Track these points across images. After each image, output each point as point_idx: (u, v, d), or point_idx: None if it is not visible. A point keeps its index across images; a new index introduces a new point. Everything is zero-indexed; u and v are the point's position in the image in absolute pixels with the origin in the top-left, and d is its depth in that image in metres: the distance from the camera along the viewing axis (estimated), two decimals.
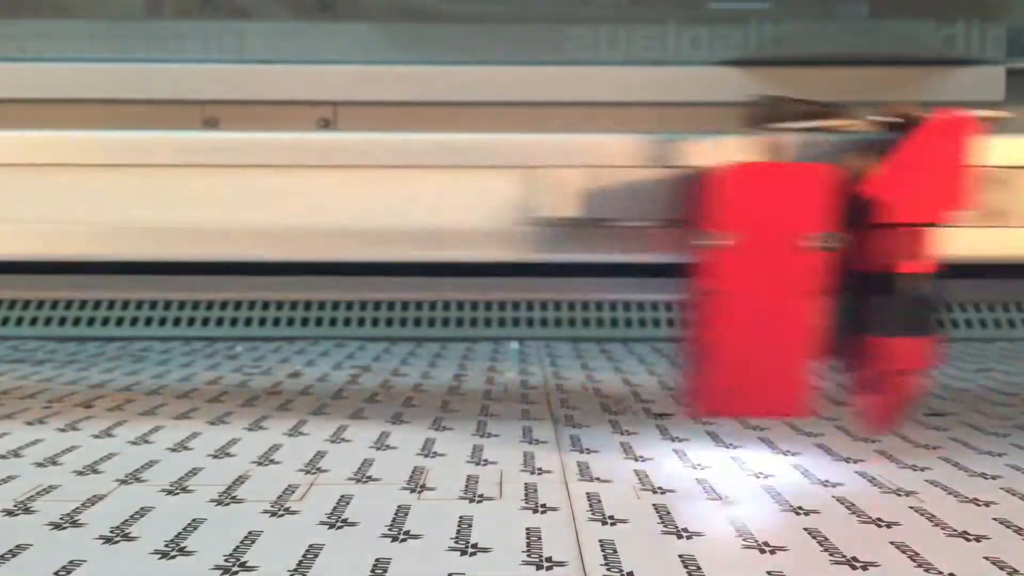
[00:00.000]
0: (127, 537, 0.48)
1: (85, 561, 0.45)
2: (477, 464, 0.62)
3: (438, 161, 0.64)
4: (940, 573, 0.44)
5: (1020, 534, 0.49)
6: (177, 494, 0.55)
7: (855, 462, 0.63)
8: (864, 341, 0.59)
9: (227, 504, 0.53)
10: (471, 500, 0.54)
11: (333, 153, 0.65)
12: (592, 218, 0.62)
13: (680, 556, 0.46)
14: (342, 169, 0.64)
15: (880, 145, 0.60)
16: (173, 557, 0.45)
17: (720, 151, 0.62)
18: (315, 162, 0.64)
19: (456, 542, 0.47)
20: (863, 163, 0.59)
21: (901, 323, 0.59)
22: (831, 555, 0.46)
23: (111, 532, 0.48)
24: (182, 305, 1.32)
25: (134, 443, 0.67)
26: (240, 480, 0.58)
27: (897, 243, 0.59)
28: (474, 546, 0.47)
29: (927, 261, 0.59)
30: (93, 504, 0.53)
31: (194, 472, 0.60)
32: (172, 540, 0.47)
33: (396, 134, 0.65)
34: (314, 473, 0.60)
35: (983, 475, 0.61)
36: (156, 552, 0.46)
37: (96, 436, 0.69)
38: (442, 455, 0.64)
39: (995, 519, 0.52)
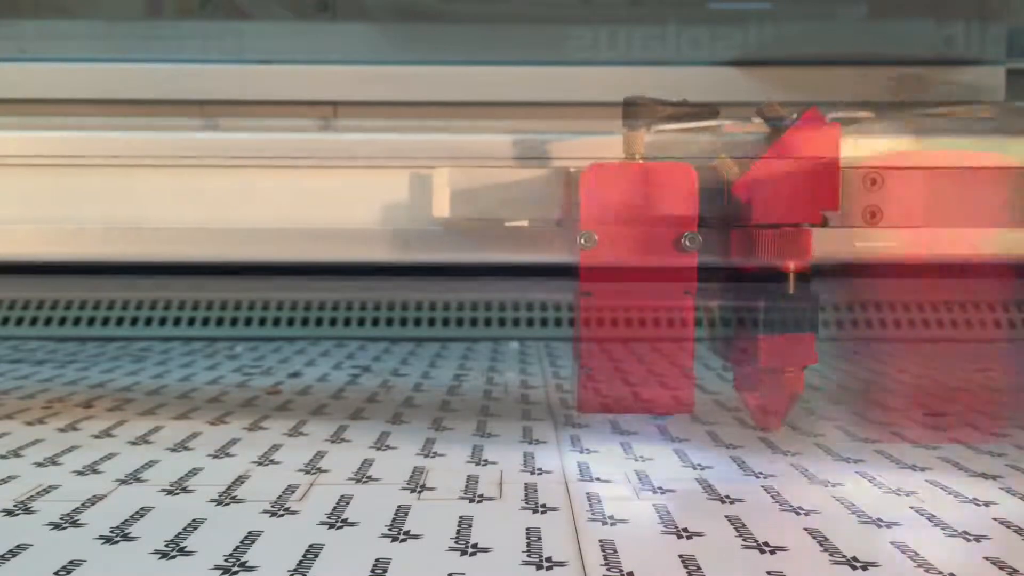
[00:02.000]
0: (127, 537, 0.48)
1: (85, 561, 0.45)
2: (477, 464, 0.62)
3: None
4: (940, 573, 0.44)
5: (1020, 534, 0.49)
6: (177, 494, 0.55)
7: (855, 462, 0.63)
8: (747, 340, 0.61)
9: (227, 504, 0.53)
10: (471, 500, 0.54)
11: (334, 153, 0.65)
12: (478, 218, 0.62)
13: (680, 556, 0.45)
14: (344, 170, 0.64)
15: (755, 146, 0.62)
16: (173, 557, 0.45)
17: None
18: (314, 162, 0.65)
19: (456, 542, 0.47)
20: (741, 164, 0.60)
21: (780, 322, 0.60)
22: (831, 555, 0.46)
23: (111, 532, 0.48)
24: (182, 305, 1.32)
25: (134, 443, 0.67)
26: (240, 480, 0.58)
27: (770, 243, 0.60)
28: (474, 546, 0.47)
29: (802, 261, 0.60)
30: (93, 504, 0.53)
31: (194, 472, 0.60)
32: (172, 540, 0.47)
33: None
34: (314, 473, 0.60)
35: (983, 475, 0.61)
36: (156, 552, 0.46)
37: (96, 436, 0.69)
38: (442, 455, 0.64)
39: (995, 519, 0.52)
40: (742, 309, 0.61)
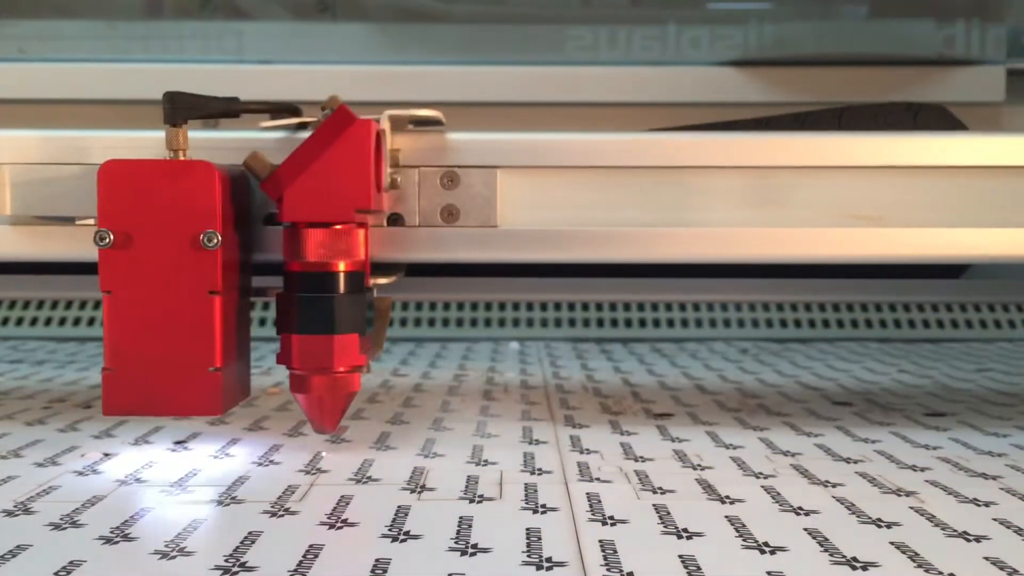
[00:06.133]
0: (127, 537, 0.48)
1: (85, 561, 0.45)
2: (477, 464, 0.62)
3: None
4: (940, 573, 0.44)
5: (1020, 534, 0.49)
6: (177, 494, 0.55)
7: (855, 462, 0.63)
8: (295, 340, 0.60)
9: (227, 504, 0.53)
10: (471, 500, 0.54)
11: None
12: (44, 216, 0.63)
13: (680, 556, 0.46)
14: None
15: (296, 143, 0.60)
16: (173, 557, 0.45)
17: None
18: None
19: (456, 542, 0.47)
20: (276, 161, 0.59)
21: (320, 322, 0.59)
22: (831, 555, 0.46)
23: (111, 532, 0.48)
24: None
25: (134, 443, 0.67)
26: (240, 480, 0.58)
27: (316, 241, 0.59)
28: (474, 546, 0.47)
29: (352, 260, 0.60)
30: (93, 504, 0.53)
31: (194, 472, 0.60)
32: (172, 540, 0.47)
33: None
34: (314, 473, 0.60)
35: (983, 475, 0.61)
36: (156, 552, 0.46)
37: (96, 436, 0.69)
38: (442, 455, 0.64)
39: (995, 519, 0.52)
40: (287, 309, 0.60)
